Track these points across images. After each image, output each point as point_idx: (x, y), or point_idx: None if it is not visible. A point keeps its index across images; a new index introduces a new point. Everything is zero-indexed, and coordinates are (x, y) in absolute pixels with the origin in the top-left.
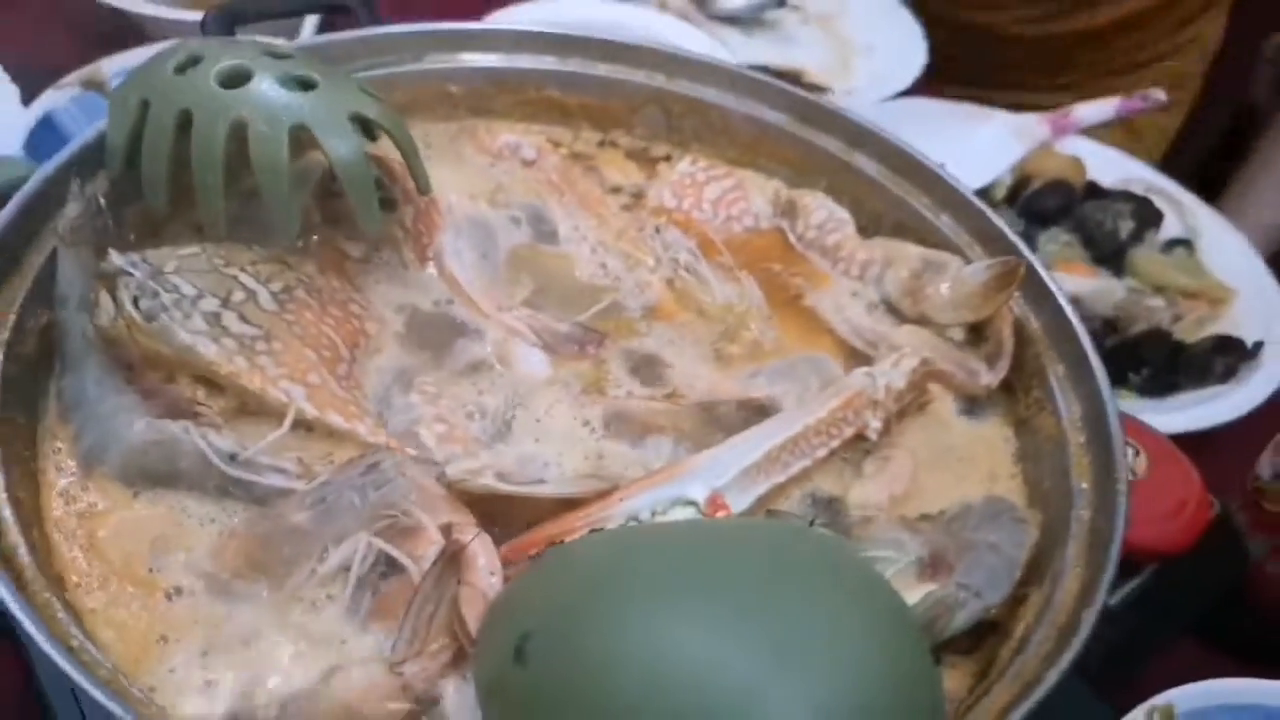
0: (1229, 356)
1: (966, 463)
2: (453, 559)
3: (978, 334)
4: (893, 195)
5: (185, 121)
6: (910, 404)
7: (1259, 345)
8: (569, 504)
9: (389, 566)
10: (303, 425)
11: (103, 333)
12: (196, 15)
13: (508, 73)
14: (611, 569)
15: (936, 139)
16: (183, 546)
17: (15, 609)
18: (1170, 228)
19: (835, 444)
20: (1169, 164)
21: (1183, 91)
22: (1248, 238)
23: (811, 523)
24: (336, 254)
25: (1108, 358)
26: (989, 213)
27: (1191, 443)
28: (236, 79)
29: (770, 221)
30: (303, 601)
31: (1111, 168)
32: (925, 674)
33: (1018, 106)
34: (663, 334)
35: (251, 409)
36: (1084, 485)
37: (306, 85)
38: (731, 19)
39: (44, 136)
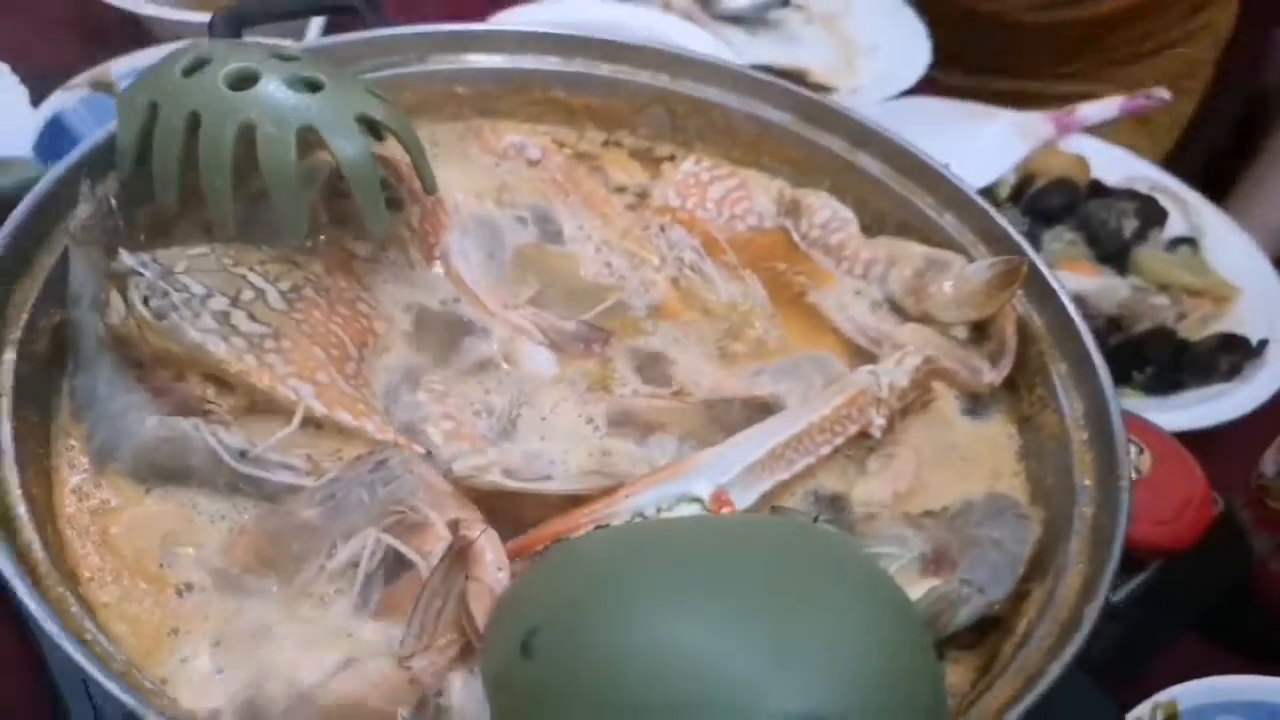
0: (1233, 355)
1: (970, 460)
2: (460, 554)
3: (981, 332)
4: (896, 194)
5: (194, 123)
6: (914, 402)
7: (1263, 343)
8: (575, 500)
9: (397, 562)
10: (312, 423)
11: (114, 331)
12: (204, 17)
13: (513, 73)
14: (617, 565)
15: (940, 138)
16: (193, 542)
17: (31, 604)
18: (1175, 226)
19: (839, 441)
20: (1179, 154)
21: (1194, 79)
22: (1255, 237)
23: (815, 519)
24: (344, 253)
25: (1112, 356)
26: (992, 212)
27: (1196, 441)
28: (244, 81)
29: (774, 221)
30: (312, 596)
31: (1116, 166)
32: (928, 669)
33: (1023, 95)
34: (667, 332)
35: (261, 407)
36: (1087, 482)
37: (313, 87)
38: (735, 19)
39: (53, 138)
